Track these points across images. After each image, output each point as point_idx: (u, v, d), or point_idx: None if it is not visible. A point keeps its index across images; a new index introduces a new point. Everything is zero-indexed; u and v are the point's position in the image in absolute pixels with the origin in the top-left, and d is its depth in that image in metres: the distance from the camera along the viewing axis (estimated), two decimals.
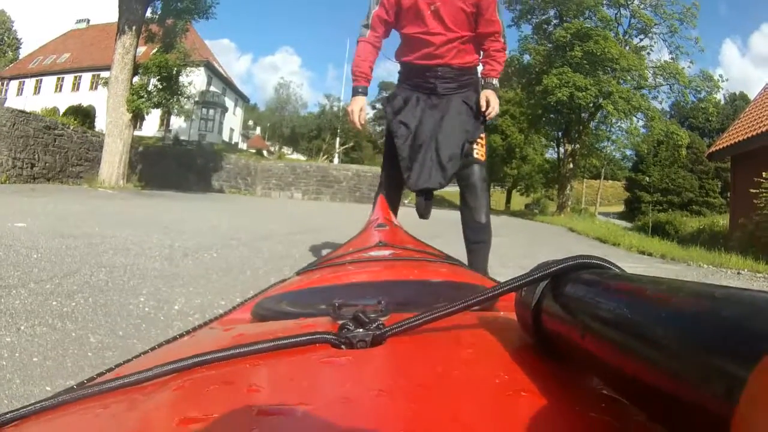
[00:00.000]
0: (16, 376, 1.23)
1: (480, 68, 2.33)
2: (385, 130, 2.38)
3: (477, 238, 2.23)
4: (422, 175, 2.16)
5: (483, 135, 2.26)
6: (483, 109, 2.20)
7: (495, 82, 2.30)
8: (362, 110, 2.25)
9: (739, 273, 5.28)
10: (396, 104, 2.28)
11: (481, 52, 2.31)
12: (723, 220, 13.74)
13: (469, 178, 2.21)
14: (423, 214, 2.29)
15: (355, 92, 2.25)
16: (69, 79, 31.63)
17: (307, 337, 0.39)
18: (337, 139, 36.08)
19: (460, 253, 2.17)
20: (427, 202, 2.27)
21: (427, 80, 2.25)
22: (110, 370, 0.47)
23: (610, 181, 42.58)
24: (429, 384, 0.32)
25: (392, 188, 2.36)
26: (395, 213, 2.32)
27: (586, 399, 0.29)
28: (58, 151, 12.82)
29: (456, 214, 2.37)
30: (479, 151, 2.23)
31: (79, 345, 1.49)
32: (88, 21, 35.97)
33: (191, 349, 0.39)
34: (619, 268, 0.34)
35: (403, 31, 2.26)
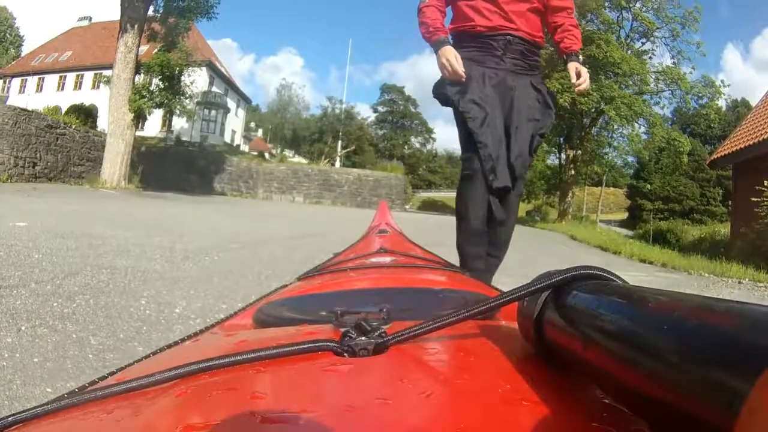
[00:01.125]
0: (16, 377, 1.23)
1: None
2: (455, 117, 1.95)
3: (493, 252, 1.96)
4: (500, 170, 1.81)
5: None
6: (573, 80, 1.91)
7: (580, 57, 1.99)
8: (457, 57, 1.84)
9: (740, 283, 5.26)
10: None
11: (555, 30, 2.02)
12: (724, 229, 13.71)
13: None
14: (498, 216, 1.93)
15: (442, 43, 1.89)
16: (71, 77, 31.36)
17: (310, 345, 0.39)
18: (339, 142, 36.06)
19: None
20: (502, 203, 1.90)
21: (493, 50, 1.88)
22: (113, 373, 0.47)
23: (612, 189, 42.46)
24: (431, 393, 0.32)
25: (478, 184, 1.86)
26: (485, 218, 1.89)
27: (588, 409, 0.29)
28: (60, 150, 12.77)
29: None
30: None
31: (79, 347, 1.49)
32: (90, 19, 35.73)
33: (194, 355, 0.39)
34: (620, 278, 0.35)
35: None
